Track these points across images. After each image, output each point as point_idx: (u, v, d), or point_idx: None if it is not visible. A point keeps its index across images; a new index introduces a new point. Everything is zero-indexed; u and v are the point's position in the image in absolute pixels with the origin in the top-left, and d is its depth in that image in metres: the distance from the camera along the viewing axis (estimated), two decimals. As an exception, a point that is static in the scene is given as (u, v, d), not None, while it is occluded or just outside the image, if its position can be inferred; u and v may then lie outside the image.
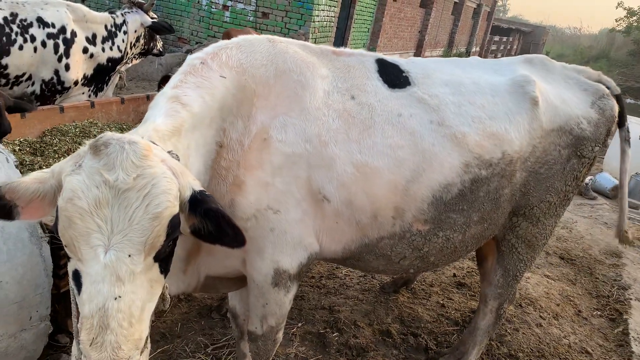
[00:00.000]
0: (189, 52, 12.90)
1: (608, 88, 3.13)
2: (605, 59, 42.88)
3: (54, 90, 5.38)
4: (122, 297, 1.72)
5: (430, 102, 2.64)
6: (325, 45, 2.81)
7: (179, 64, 13.56)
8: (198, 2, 13.41)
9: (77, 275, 1.80)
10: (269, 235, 2.52)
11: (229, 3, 13.08)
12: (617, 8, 46.41)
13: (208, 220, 1.94)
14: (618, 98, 3.11)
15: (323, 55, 2.69)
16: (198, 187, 1.96)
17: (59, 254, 3.00)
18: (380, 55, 2.83)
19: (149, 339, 1.91)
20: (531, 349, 4.15)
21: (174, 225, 1.83)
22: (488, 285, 3.31)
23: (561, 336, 4.44)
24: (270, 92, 2.47)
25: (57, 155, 4.69)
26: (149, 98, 5.82)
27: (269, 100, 2.46)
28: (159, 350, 3.59)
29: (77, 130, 5.07)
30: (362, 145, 2.53)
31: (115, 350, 1.71)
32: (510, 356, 4.02)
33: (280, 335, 2.90)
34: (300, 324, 4.07)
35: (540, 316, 4.68)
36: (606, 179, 8.97)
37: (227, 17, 13.14)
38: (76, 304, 1.88)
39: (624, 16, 45.49)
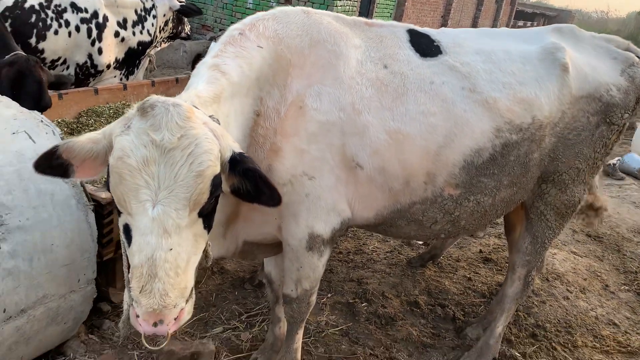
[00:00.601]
0: (213, 39, 13.04)
1: (638, 57, 3.14)
2: (633, 42, 41.97)
3: (87, 73, 5.54)
4: (169, 248, 1.85)
5: (462, 69, 2.69)
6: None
7: (204, 52, 13.70)
8: (221, -11, 13.53)
9: (127, 229, 1.93)
10: (304, 200, 2.62)
11: (252, -10, 13.16)
12: (645, -11, 45.08)
13: (246, 179, 2.05)
14: None
15: (356, 26, 2.76)
16: (237, 149, 2.07)
17: (102, 223, 3.15)
18: (411, 25, 2.89)
19: (194, 290, 2.04)
20: (558, 320, 4.20)
21: (216, 184, 1.95)
22: (516, 253, 3.37)
23: (588, 309, 4.48)
24: (305, 61, 2.55)
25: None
26: (178, 81, 5.97)
27: (304, 70, 2.55)
28: (195, 318, 3.74)
29: (110, 111, 5.24)
30: (394, 113, 2.60)
31: (163, 297, 1.84)
32: (537, 326, 4.07)
33: (314, 298, 3.01)
34: (329, 295, 4.18)
35: (567, 290, 4.72)
36: (634, 159, 8.88)
37: (250, 3, 13.23)
38: (127, 256, 2.02)
39: (653, -2, 44.29)
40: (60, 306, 2.82)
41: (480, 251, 5.29)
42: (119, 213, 1.99)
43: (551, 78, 2.78)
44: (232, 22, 13.66)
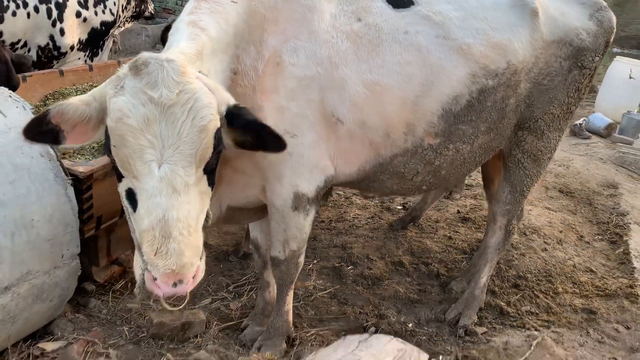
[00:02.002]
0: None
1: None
2: None
3: (50, 56, 5.38)
4: (179, 208, 1.83)
5: (435, 18, 2.71)
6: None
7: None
8: (180, -29, 13.23)
9: (130, 193, 1.91)
10: (288, 159, 2.62)
11: (212, -30, 12.91)
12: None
13: (248, 130, 2.04)
14: None
15: (327, -21, 2.74)
16: (232, 101, 2.05)
17: (81, 198, 3.08)
18: (382, -22, 2.88)
19: (203, 250, 2.03)
20: (538, 270, 4.32)
21: (218, 137, 1.94)
22: (496, 204, 3.44)
23: (566, 258, 4.61)
24: (279, 16, 2.53)
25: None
26: (144, 60, 5.85)
27: (278, 25, 2.53)
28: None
29: (78, 93, 5.10)
30: (371, 65, 2.61)
31: (180, 257, 1.83)
32: (519, 277, 4.18)
33: (302, 259, 3.02)
34: (315, 261, 4.21)
35: (545, 242, 4.84)
36: (599, 118, 9.09)
37: (211, -16, 12.98)
38: (132, 221, 1.99)
39: (607, -35, 45.20)
40: (45, 282, 2.76)
41: (458, 212, 5.38)
42: (120, 179, 1.96)
43: (522, 23, 2.82)
44: (194, 3, 13.13)
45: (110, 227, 3.55)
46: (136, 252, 2.04)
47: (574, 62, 2.99)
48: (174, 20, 4.57)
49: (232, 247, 4.34)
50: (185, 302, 2.11)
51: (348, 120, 2.64)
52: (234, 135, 2.06)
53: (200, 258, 2.01)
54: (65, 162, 3.03)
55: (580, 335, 3.54)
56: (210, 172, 2.03)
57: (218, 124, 1.94)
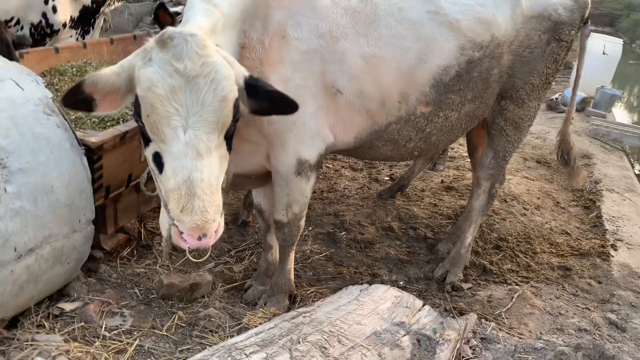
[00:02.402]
0: (157, 0, 12.72)
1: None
2: None
3: (43, 33, 5.45)
4: (203, 169, 2.03)
5: (426, -6, 2.92)
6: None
7: (149, 14, 13.26)
8: (160, -52, 13.12)
9: (157, 157, 2.11)
10: (292, 128, 2.82)
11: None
12: None
13: (264, 99, 2.24)
14: None
15: (325, -42, 2.92)
16: (247, 73, 2.24)
17: (92, 168, 3.25)
18: (375, -43, 3.07)
19: (223, 208, 2.24)
20: (518, 233, 4.63)
21: (236, 106, 2.14)
22: (480, 169, 3.70)
23: (543, 222, 4.93)
24: None
25: (59, 93, 4.85)
26: (135, 38, 5.94)
27: (282, 1, 2.71)
28: (185, 257, 3.92)
29: (74, 70, 5.20)
30: (369, 38, 2.81)
31: (204, 213, 2.04)
32: (500, 239, 4.48)
33: (303, 222, 3.25)
34: (311, 228, 4.44)
35: (524, 208, 5.16)
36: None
37: (191, -39, 12.92)
38: (160, 182, 2.18)
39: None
40: (65, 245, 2.94)
41: (442, 181, 5.66)
42: (147, 143, 2.14)
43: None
44: (178, -19, 12.93)
45: (117, 197, 3.73)
46: (162, 209, 2.24)
47: (552, 35, 3.24)
48: (163, 2, 4.69)
49: (231, 215, 4.55)
50: (208, 254, 2.32)
51: (347, 91, 2.85)
52: (250, 103, 2.25)
53: (221, 215, 2.21)
54: (78, 133, 3.19)
55: (557, 289, 3.85)
56: (229, 138, 2.22)
57: (237, 94, 2.13)
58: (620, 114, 12.24)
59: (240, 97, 2.19)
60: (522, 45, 3.17)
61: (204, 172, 2.05)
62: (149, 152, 2.16)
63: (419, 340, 2.33)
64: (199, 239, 2.08)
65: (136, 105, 2.07)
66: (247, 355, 1.89)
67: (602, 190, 5.80)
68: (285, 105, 2.26)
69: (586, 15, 3.40)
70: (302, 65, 2.74)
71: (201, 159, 2.04)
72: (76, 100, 2.07)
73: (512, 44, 3.13)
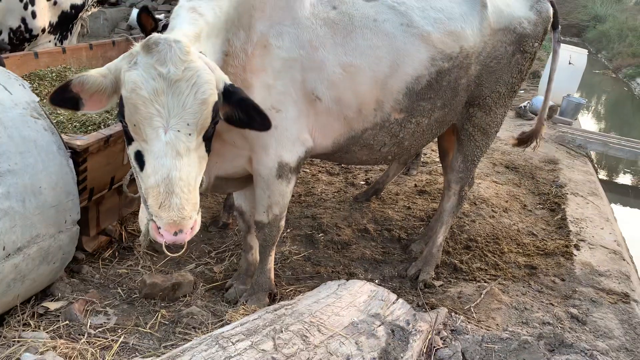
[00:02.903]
0: (133, 5, 12.74)
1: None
2: None
3: (22, 38, 5.48)
4: (181, 168, 2.16)
5: (399, 8, 3.10)
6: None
7: (124, 19, 13.22)
8: (137, -46, 13.14)
9: (139, 155, 2.22)
10: (273, 132, 2.94)
11: (169, -46, 12.89)
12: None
13: (239, 108, 2.37)
14: (552, 3, 3.67)
15: (306, -28, 3.09)
16: (228, 80, 2.37)
17: (77, 170, 3.34)
18: (353, -29, 3.25)
19: (199, 206, 2.36)
20: (487, 234, 4.85)
21: (216, 110, 2.27)
22: (451, 172, 3.90)
23: (511, 224, 5.16)
24: (266, 4, 2.86)
25: (40, 97, 4.91)
26: (114, 44, 6.03)
27: (265, 12, 2.86)
28: (167, 258, 4.02)
29: (53, 74, 5.25)
30: (346, 48, 2.98)
31: (180, 210, 2.16)
32: (470, 240, 4.69)
33: (283, 223, 3.39)
34: (289, 230, 4.58)
35: (493, 210, 5.39)
36: (541, 101, 9.78)
37: (168, -31, 12.97)
38: (140, 179, 2.29)
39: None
40: (51, 245, 3.03)
41: (415, 185, 5.87)
42: (130, 142, 2.26)
43: (473, 13, 3.26)
44: (153, -11, 12.95)
45: (100, 199, 3.81)
46: (142, 205, 2.36)
47: (517, 47, 3.46)
48: (146, 6, 4.79)
49: (210, 218, 4.66)
50: (183, 249, 2.43)
51: (326, 98, 3.01)
52: (226, 110, 2.36)
53: (198, 213, 2.32)
54: (64, 137, 3.27)
55: (523, 286, 4.07)
56: (208, 139, 2.33)
57: (216, 98, 2.25)
58: (586, 121, 12.72)
59: (219, 102, 2.31)
60: (489, 56, 3.38)
61: (183, 171, 2.16)
62: (131, 151, 2.27)
63: (393, 331, 2.49)
64: (175, 234, 2.18)
65: (120, 105, 2.18)
66: (233, 343, 2.01)
67: (567, 194, 6.09)
68: (259, 119, 2.38)
69: (549, 28, 3.64)
70: (284, 73, 2.89)
71: (180, 158, 2.15)
72: (63, 98, 2.17)
73: (480, 55, 3.33)
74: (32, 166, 2.86)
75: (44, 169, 2.92)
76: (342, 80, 2.98)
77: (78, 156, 3.32)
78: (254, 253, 3.70)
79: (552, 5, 3.66)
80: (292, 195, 5.28)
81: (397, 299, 2.80)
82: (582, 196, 6.09)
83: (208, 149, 2.36)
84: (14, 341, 2.80)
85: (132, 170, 2.88)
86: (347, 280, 2.92)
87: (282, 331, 2.15)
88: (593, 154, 8.59)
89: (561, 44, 10.80)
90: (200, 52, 2.37)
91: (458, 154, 3.82)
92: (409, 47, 3.06)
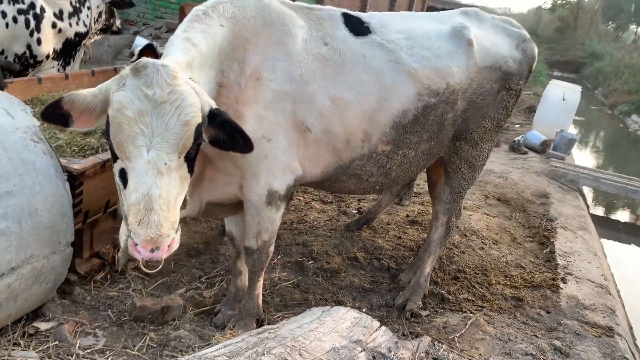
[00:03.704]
0: (137, 33, 13.02)
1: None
2: (534, 36, 43.72)
3: (27, 64, 5.65)
4: (161, 186, 2.24)
5: (388, 45, 3.25)
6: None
7: (127, 46, 13.50)
8: (143, -16, 13.50)
9: (123, 173, 2.32)
10: (264, 161, 3.07)
11: (174, -16, 13.24)
12: (541, -15, 48.25)
13: (223, 130, 2.48)
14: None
15: (299, 9, 3.24)
16: (214, 105, 2.49)
17: (73, 193, 3.43)
18: (344, 10, 3.41)
19: (179, 225, 2.43)
20: (476, 265, 4.91)
21: (199, 132, 2.37)
22: (439, 204, 4.00)
23: (500, 256, 5.23)
24: (260, 39, 3.00)
25: (40, 122, 5.04)
26: (116, 71, 6.19)
27: (258, 46, 2.99)
28: (158, 282, 4.08)
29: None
30: (336, 82, 3.11)
31: (158, 227, 2.24)
32: (459, 271, 4.75)
33: (272, 249, 3.46)
34: (280, 256, 4.65)
35: (482, 242, 5.46)
36: (535, 136, 9.97)
37: (174, -3, 13.31)
38: (123, 196, 2.38)
39: (548, -6, 47.57)
40: (44, 266, 3.10)
41: (407, 215, 5.95)
42: (115, 160, 2.35)
43: (460, 52, 3.40)
44: (155, 17, 13.58)
45: (94, 222, 3.89)
46: (123, 222, 2.44)
47: (503, 84, 3.60)
48: (151, 43, 4.94)
49: (202, 244, 4.73)
50: (159, 267, 2.48)
51: (315, 129, 3.13)
52: (211, 132, 2.46)
53: (176, 231, 2.38)
54: (62, 160, 3.38)
55: (509, 318, 4.12)
56: (190, 160, 2.41)
57: (199, 120, 2.34)
58: (581, 156, 12.88)
59: (204, 125, 2.40)
60: (476, 92, 3.52)
61: (163, 189, 2.23)
62: (115, 169, 2.35)
63: (374, 357, 2.54)
64: (152, 251, 2.24)
65: (107, 124, 2.27)
66: (215, 365, 2.07)
67: (557, 227, 6.17)
68: (242, 141, 2.47)
69: (534, 66, 3.79)
70: (275, 105, 3.01)
71: (161, 176, 2.23)
72: (54, 114, 2.27)
73: (466, 91, 3.47)
74: (29, 188, 2.95)
75: (41, 190, 3.01)
76: (331, 113, 3.10)
77: (75, 179, 3.41)
78: (243, 278, 3.76)
79: None
80: (285, 222, 5.41)
81: (380, 326, 2.86)
82: (571, 230, 6.18)
83: (191, 170, 2.44)
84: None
85: None
86: (332, 307, 2.98)
87: (264, 354, 2.20)
88: (586, 189, 8.71)
89: (555, 81, 11.06)
90: (190, 78, 2.47)
91: (446, 185, 3.92)
92: (396, 82, 3.19)
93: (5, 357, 2.86)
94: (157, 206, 2.22)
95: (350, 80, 3.13)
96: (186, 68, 2.54)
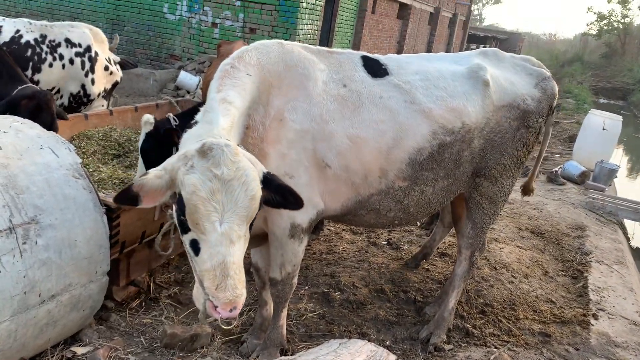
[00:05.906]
0: (181, 68, 13.63)
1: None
2: (579, 62, 43.75)
3: (80, 102, 6.09)
4: (234, 254, 2.44)
5: (404, 87, 3.40)
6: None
7: (172, 80, 14.09)
8: (188, 21, 14.17)
9: (194, 243, 2.51)
10: None
11: (218, 20, 13.85)
12: (587, 12, 47.83)
13: (277, 193, 2.67)
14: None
15: (320, 53, 3.44)
16: (265, 169, 2.68)
17: (111, 225, 3.68)
18: (364, 53, 3.59)
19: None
20: (504, 299, 4.89)
21: (261, 202, 2.57)
22: (462, 238, 4.06)
23: (530, 290, 5.19)
24: (282, 82, 3.20)
25: (85, 156, 5.40)
26: (158, 107, 6.56)
27: (281, 90, 3.19)
28: (190, 310, 4.27)
29: (100, 135, 5.78)
30: (353, 122, 3.27)
31: (234, 290, 2.42)
32: (486, 305, 4.75)
33: (295, 280, 3.60)
34: (307, 287, 4.77)
35: (512, 276, 5.43)
36: (574, 166, 9.81)
37: (216, 33, 13.90)
38: (195, 263, 2.54)
39: (595, 20, 46.89)
40: (82, 294, 3.33)
41: (438, 248, 5.97)
42: (185, 231, 2.54)
43: (476, 92, 3.51)
44: (199, 52, 14.21)
45: (131, 252, 4.14)
46: (197, 285, 2.62)
47: (521, 122, 3.67)
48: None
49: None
50: (236, 321, 2.64)
51: (335, 165, 3.28)
52: (264, 194, 2.64)
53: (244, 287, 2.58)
54: (100, 194, 3.64)
55: (535, 354, 4.09)
56: (251, 225, 2.63)
57: (261, 193, 2.55)
58: (624, 187, 12.51)
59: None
60: (493, 131, 3.61)
61: (235, 256, 2.43)
62: (186, 239, 2.54)
63: (386, 390, 2.62)
64: (230, 311, 2.43)
65: (180, 203, 2.47)
66: (229, 393, 2.20)
67: (592, 261, 6.06)
68: (293, 200, 2.68)
69: (554, 104, 3.84)
70: (297, 143, 3.18)
71: (233, 245, 2.43)
72: (126, 197, 2.50)
73: (483, 129, 3.56)
74: (70, 221, 3.20)
75: (80, 223, 3.26)
76: (349, 150, 3.26)
77: (112, 212, 3.67)
78: (268, 309, 3.90)
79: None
80: (314, 253, 5.54)
81: (395, 360, 2.93)
82: (607, 264, 6.05)
83: (250, 231, 2.63)
84: (43, 382, 3.06)
85: (163, 229, 3.20)
86: (349, 339, 3.07)
87: (277, 383, 2.32)
88: (630, 222, 8.48)
89: (595, 111, 10.95)
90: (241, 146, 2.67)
91: (468, 220, 3.98)
92: (412, 121, 3.32)
93: (44, 379, 3.08)
94: (232, 272, 2.40)
95: (367, 120, 3.28)
96: (230, 129, 2.75)
